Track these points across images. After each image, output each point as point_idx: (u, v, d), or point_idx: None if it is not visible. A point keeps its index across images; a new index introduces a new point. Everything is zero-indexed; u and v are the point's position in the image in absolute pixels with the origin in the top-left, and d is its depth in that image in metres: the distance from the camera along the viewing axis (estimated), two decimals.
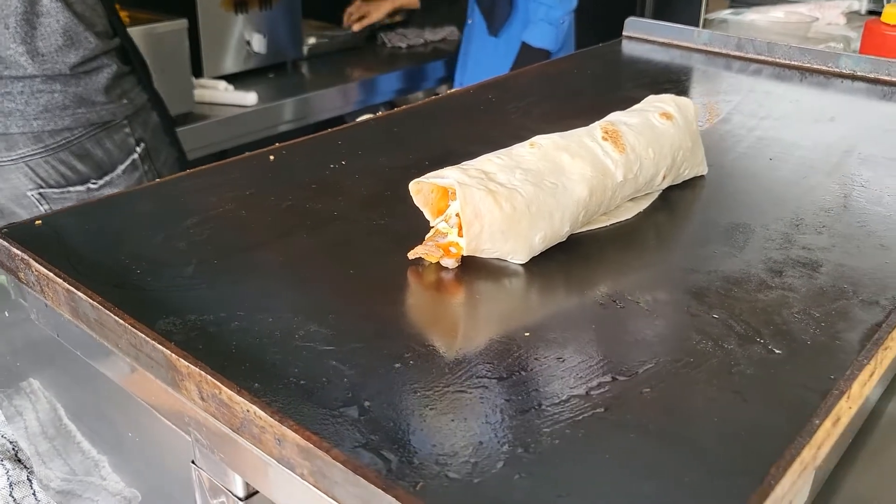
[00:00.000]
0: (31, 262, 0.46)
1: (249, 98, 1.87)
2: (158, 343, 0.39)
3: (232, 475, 0.41)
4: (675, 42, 1.02)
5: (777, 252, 0.55)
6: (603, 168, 0.55)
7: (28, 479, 0.74)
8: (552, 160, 0.54)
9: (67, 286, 0.43)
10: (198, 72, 1.92)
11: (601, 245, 0.57)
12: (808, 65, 0.96)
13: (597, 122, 0.59)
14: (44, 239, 0.52)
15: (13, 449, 0.78)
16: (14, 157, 1.04)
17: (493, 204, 0.49)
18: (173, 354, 0.38)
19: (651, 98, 0.66)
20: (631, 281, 0.52)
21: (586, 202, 0.54)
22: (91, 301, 0.42)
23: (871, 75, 0.92)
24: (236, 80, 1.97)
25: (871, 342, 0.42)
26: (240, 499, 0.41)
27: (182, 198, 0.59)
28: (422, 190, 0.53)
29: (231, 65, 1.99)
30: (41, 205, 1.04)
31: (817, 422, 0.35)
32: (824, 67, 0.95)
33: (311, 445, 0.33)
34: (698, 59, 1.00)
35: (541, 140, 0.56)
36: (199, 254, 0.51)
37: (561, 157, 0.54)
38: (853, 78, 0.93)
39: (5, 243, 0.48)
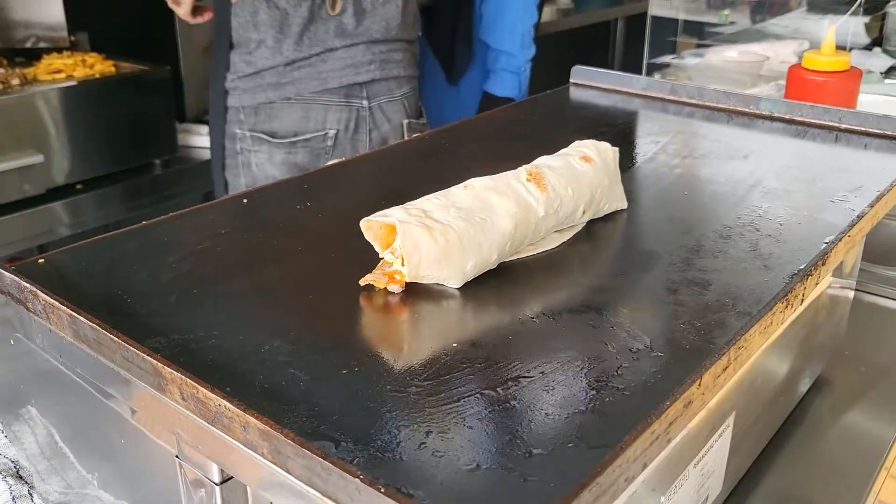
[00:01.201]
0: (38, 293, 0.55)
1: None
2: (148, 355, 0.48)
3: (210, 464, 0.50)
4: (617, 88, 1.12)
5: (676, 274, 0.65)
6: (526, 205, 0.65)
7: (29, 493, 0.83)
8: (482, 199, 0.64)
9: (70, 312, 0.52)
10: (181, 116, 2.02)
11: (529, 271, 0.66)
12: (734, 107, 1.06)
13: (523, 166, 0.69)
14: (46, 274, 0.61)
15: (15, 467, 0.86)
16: (398, 95, 1.55)
17: (430, 238, 0.59)
18: (160, 364, 0.47)
19: (576, 143, 0.76)
20: (550, 300, 0.62)
21: (512, 234, 0.63)
22: (91, 324, 0.51)
23: (787, 116, 1.02)
24: None
25: (728, 342, 0.52)
26: (216, 483, 0.50)
27: (165, 237, 0.68)
28: (371, 227, 0.62)
29: None
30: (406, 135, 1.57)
31: (668, 403, 0.44)
32: (747, 109, 1.05)
33: (270, 429, 0.42)
34: (638, 104, 1.11)
35: (473, 182, 0.65)
36: (181, 285, 0.61)
37: (490, 196, 0.64)
38: (772, 119, 1.03)
39: (15, 278, 0.57)
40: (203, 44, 2.02)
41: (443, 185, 0.68)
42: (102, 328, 0.50)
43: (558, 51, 2.35)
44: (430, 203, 0.63)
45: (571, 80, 1.15)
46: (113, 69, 1.83)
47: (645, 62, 1.42)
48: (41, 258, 0.63)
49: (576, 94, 1.13)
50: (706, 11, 3.20)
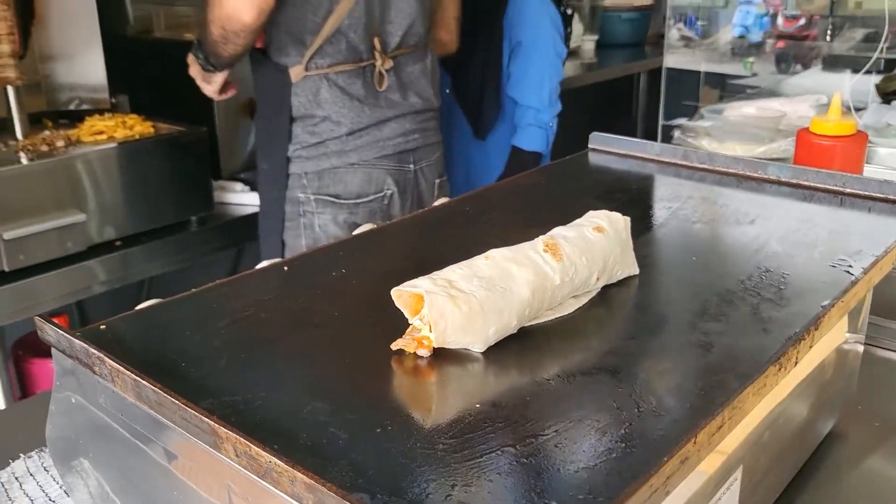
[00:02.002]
0: (105, 358, 0.61)
1: None
2: (205, 416, 0.54)
3: None
4: (633, 153, 1.19)
5: (682, 337, 0.70)
6: (543, 274, 0.71)
7: None
8: (502, 269, 0.70)
9: (134, 376, 0.58)
10: (216, 174, 2.11)
11: (547, 335, 0.72)
12: (743, 172, 1.12)
13: (540, 237, 0.75)
14: (108, 340, 0.67)
15: None
16: (433, 160, 1.76)
17: (454, 307, 0.65)
18: (216, 424, 0.53)
19: (589, 214, 0.82)
20: (565, 363, 0.67)
21: (530, 301, 0.69)
22: (153, 387, 0.57)
23: (794, 181, 1.08)
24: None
25: (722, 404, 0.57)
26: None
27: (214, 304, 0.75)
28: (401, 295, 0.68)
29: (246, 167, 2.18)
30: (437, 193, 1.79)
31: (665, 459, 0.50)
32: (756, 174, 1.11)
33: (314, 483, 0.47)
34: (653, 168, 1.17)
35: (494, 253, 0.72)
36: (230, 349, 0.67)
37: (509, 266, 0.70)
38: (779, 183, 1.09)
39: (84, 345, 0.63)
40: (237, 105, 2.12)
41: (467, 251, 0.74)
42: (164, 392, 0.56)
43: (583, 103, 2.44)
44: (454, 273, 0.69)
45: (590, 146, 1.21)
46: (152, 130, 1.92)
47: (660, 123, 1.48)
48: (103, 325, 0.69)
49: (594, 158, 1.20)
50: (729, 61, 3.27)
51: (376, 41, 1.59)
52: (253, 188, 2.08)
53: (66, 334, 0.64)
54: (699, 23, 3.46)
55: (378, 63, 1.60)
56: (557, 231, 0.77)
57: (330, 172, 1.60)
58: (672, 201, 1.04)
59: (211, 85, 1.67)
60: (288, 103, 1.57)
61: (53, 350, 0.68)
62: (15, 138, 1.84)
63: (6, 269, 1.60)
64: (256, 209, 2.04)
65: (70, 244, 1.70)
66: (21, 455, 0.96)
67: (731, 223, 0.96)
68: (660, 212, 1.00)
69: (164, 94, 2.18)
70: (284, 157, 1.60)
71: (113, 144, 1.80)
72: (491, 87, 2.16)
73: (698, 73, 3.24)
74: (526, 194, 1.07)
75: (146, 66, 2.22)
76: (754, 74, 3.13)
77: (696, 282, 0.81)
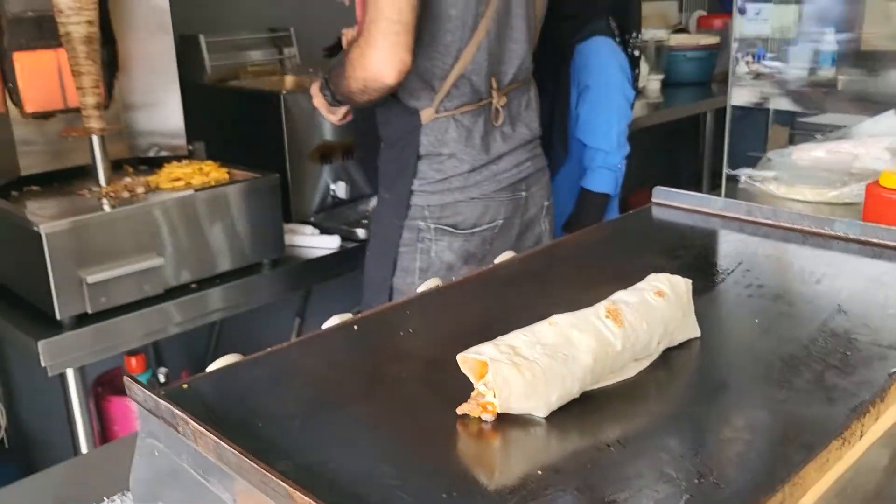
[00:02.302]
0: (189, 420, 0.65)
1: (333, 241, 2.11)
2: (281, 480, 0.57)
3: None
4: (696, 208, 1.20)
5: (744, 403, 0.71)
6: (605, 340, 0.73)
7: None
8: (565, 335, 0.72)
9: (215, 439, 0.62)
10: (287, 217, 2.16)
11: (608, 399, 0.74)
12: (808, 228, 1.12)
13: (602, 302, 0.77)
14: (191, 399, 0.72)
15: None
16: (543, 182, 1.87)
17: (518, 374, 0.67)
18: (291, 488, 0.56)
19: (651, 277, 0.83)
20: (626, 428, 0.69)
21: (592, 368, 0.71)
22: (233, 450, 0.60)
23: (862, 238, 1.07)
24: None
25: (784, 480, 0.58)
26: None
27: (288, 364, 0.79)
28: (467, 361, 0.71)
29: (316, 211, 2.24)
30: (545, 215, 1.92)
31: None
32: (822, 231, 1.11)
33: None
34: (716, 223, 1.17)
35: (557, 319, 0.74)
36: (303, 410, 0.70)
37: (572, 332, 0.72)
38: (847, 240, 1.08)
39: (169, 406, 0.67)
40: (308, 151, 2.19)
41: (531, 311, 0.77)
42: (243, 455, 0.60)
43: (649, 143, 2.45)
44: (518, 339, 0.71)
45: (653, 200, 1.22)
46: (227, 176, 1.98)
47: (724, 171, 1.47)
48: (185, 384, 0.74)
49: (658, 213, 1.21)
50: (800, 97, 3.22)
51: (493, 80, 1.69)
52: (323, 231, 2.14)
53: (152, 395, 0.68)
54: (769, 54, 3.42)
55: (494, 100, 1.70)
56: (619, 296, 0.79)
57: (452, 206, 1.70)
58: (736, 259, 1.04)
59: (335, 115, 1.80)
60: (417, 142, 1.68)
61: (139, 407, 0.72)
62: (98, 185, 1.93)
63: (89, 311, 1.67)
64: (326, 252, 2.10)
65: (148, 287, 1.76)
66: (105, 498, 1.00)
67: (796, 283, 0.96)
68: (723, 271, 1.00)
69: (239, 141, 2.26)
70: (408, 190, 1.70)
71: (190, 191, 1.87)
72: (558, 130, 2.20)
73: (766, 110, 3.20)
74: (590, 251, 1.08)
75: (222, 113, 2.31)
76: (825, 112, 3.08)
77: (758, 346, 0.82)
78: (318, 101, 1.79)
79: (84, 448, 1.78)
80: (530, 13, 1.76)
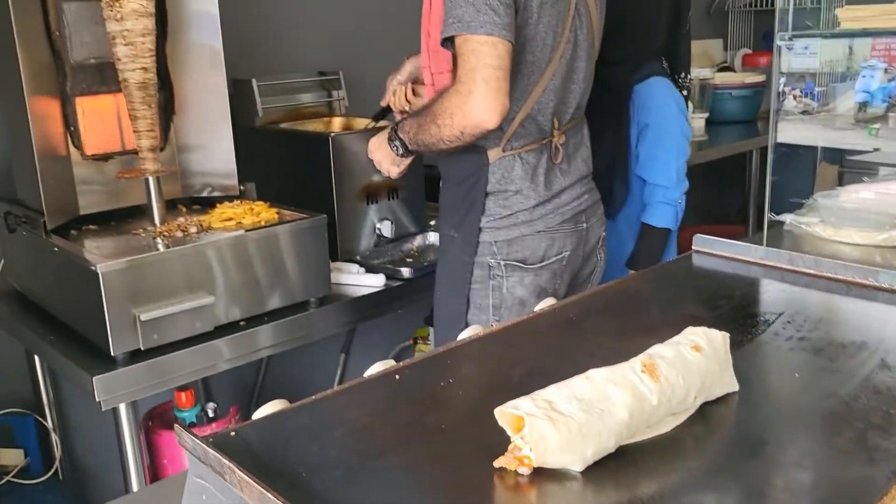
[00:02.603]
0: (235, 469, 0.67)
1: (378, 280, 2.14)
2: None
3: None
4: (736, 256, 1.20)
5: (782, 461, 0.71)
6: (641, 395, 0.74)
7: None
8: (601, 390, 0.73)
9: (261, 489, 0.64)
10: (334, 255, 2.20)
11: (644, 453, 0.74)
12: (852, 279, 1.11)
13: (638, 356, 0.78)
14: (237, 447, 0.74)
15: None
16: (599, 214, 1.94)
17: (554, 430, 0.68)
18: None
19: (688, 331, 0.84)
20: (662, 483, 0.70)
21: (628, 423, 0.72)
22: (278, 500, 0.63)
23: None
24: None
25: None
26: None
27: (331, 413, 0.81)
28: (504, 415, 0.72)
29: (362, 249, 2.28)
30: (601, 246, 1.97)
31: None
32: (866, 282, 1.10)
33: None
34: (757, 272, 1.18)
35: (593, 373, 0.75)
36: (345, 460, 0.72)
37: (608, 387, 0.73)
38: (892, 292, 1.08)
39: (216, 454, 0.70)
40: (354, 191, 2.23)
41: (569, 361, 0.78)
42: None
43: (695, 182, 2.45)
44: (554, 393, 0.73)
45: (693, 248, 1.23)
46: (276, 216, 2.03)
47: (766, 216, 1.46)
48: (233, 431, 0.76)
49: (698, 261, 1.21)
50: (851, 128, 3.18)
51: (554, 120, 1.75)
52: (368, 270, 2.17)
53: (201, 443, 0.71)
54: (817, 90, 3.39)
55: (555, 139, 1.76)
56: (655, 350, 0.80)
57: (519, 240, 1.74)
58: (776, 310, 1.04)
59: (399, 168, 1.84)
60: (485, 180, 1.73)
61: (188, 454, 0.75)
62: (153, 224, 1.99)
63: (141, 347, 1.72)
64: (371, 290, 2.12)
65: (199, 324, 1.81)
66: None
67: (839, 336, 0.96)
68: (763, 322, 1.00)
69: (289, 181, 2.31)
70: (477, 227, 1.75)
71: (241, 231, 1.92)
72: (620, 169, 2.26)
73: (814, 148, 3.17)
74: (630, 300, 1.09)
75: (272, 154, 2.37)
76: (876, 150, 3.04)
77: (798, 401, 0.82)
78: (382, 153, 1.83)
79: (134, 480, 1.82)
80: (591, 54, 1.83)
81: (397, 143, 1.74)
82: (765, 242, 1.19)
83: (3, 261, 2.15)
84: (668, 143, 2.23)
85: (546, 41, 1.66)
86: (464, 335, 0.99)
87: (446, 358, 0.92)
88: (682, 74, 2.39)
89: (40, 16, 1.89)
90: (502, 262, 1.75)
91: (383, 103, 2.17)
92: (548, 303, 1.12)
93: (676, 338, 0.83)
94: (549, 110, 1.73)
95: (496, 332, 1.00)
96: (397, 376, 0.88)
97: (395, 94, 2.14)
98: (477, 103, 1.52)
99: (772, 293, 1.11)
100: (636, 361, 0.77)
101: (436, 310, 1.87)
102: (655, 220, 2.24)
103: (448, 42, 1.57)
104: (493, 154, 1.71)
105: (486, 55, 1.50)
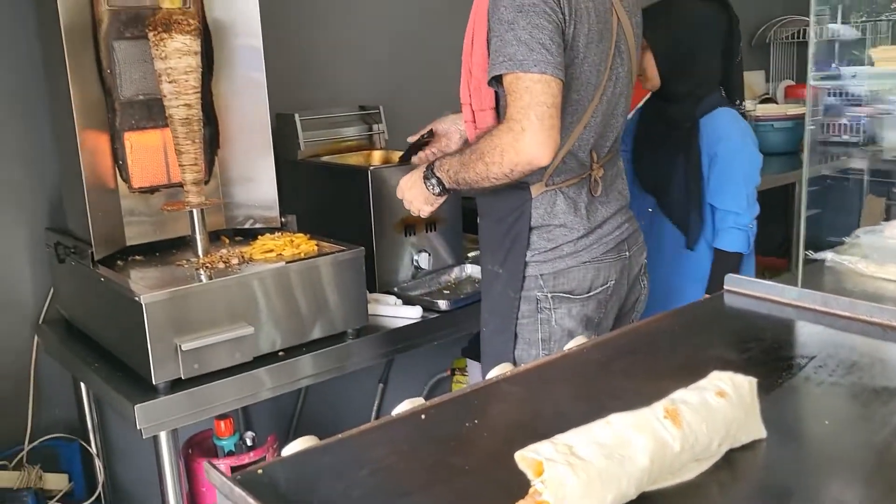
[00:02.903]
0: None
1: (415, 312, 2.15)
2: None
3: None
4: (769, 297, 1.19)
5: None
6: (663, 441, 0.74)
7: None
8: (621, 436, 0.73)
9: None
10: (372, 287, 2.23)
11: (668, 501, 0.74)
12: (888, 322, 1.10)
13: (661, 401, 0.78)
14: (264, 486, 0.76)
15: None
16: (640, 242, 1.94)
17: (573, 475, 0.69)
18: None
19: (713, 375, 0.84)
20: None
21: (649, 469, 0.72)
22: None
23: None
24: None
25: None
26: None
27: (359, 450, 0.83)
28: (524, 458, 0.73)
29: (400, 281, 2.30)
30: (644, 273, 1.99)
31: None
32: None
33: None
34: (791, 312, 1.17)
35: (614, 418, 0.75)
36: (369, 501, 0.74)
37: (629, 433, 0.73)
38: None
39: (242, 492, 0.72)
40: (392, 223, 2.26)
41: (593, 403, 0.79)
42: None
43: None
44: (575, 438, 0.73)
45: (725, 287, 1.23)
46: (315, 248, 2.06)
47: (800, 254, 1.43)
48: (259, 469, 0.78)
49: (730, 300, 1.21)
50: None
51: (594, 154, 1.77)
52: (406, 302, 2.19)
53: (228, 481, 0.73)
54: (863, 120, 3.35)
55: (594, 172, 1.79)
56: (679, 395, 0.80)
57: (565, 272, 1.76)
58: (808, 354, 1.03)
59: (432, 207, 1.85)
60: (528, 215, 1.75)
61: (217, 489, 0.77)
62: (196, 255, 2.04)
63: (182, 377, 1.76)
64: (408, 322, 2.14)
65: (238, 354, 1.84)
66: None
67: (873, 381, 0.95)
68: (795, 365, 1.00)
69: (328, 213, 2.35)
70: (522, 262, 1.76)
71: (281, 263, 1.96)
72: (694, 201, 2.32)
73: (861, 179, 3.12)
74: (659, 341, 1.09)
75: (313, 187, 2.41)
76: None
77: (827, 450, 0.81)
78: (415, 192, 1.83)
79: None
80: (630, 89, 1.85)
81: (434, 181, 1.75)
82: (799, 283, 1.18)
83: (52, 289, 2.21)
84: (736, 171, 2.29)
85: (590, 80, 1.68)
86: (491, 374, 0.99)
87: (473, 398, 0.93)
88: (738, 102, 2.45)
89: (92, 54, 1.96)
90: (549, 295, 1.76)
91: (411, 139, 2.20)
92: (578, 341, 1.12)
93: (701, 382, 0.83)
94: (588, 146, 1.75)
95: (523, 371, 1.01)
96: (423, 416, 0.89)
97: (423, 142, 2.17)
98: (530, 141, 1.52)
99: (805, 335, 1.10)
100: (659, 407, 0.77)
101: (482, 347, 1.87)
102: (728, 245, 2.30)
103: (495, 80, 1.59)
104: (536, 189, 1.73)
105: (539, 93, 1.51)
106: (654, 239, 2.29)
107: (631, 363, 1.01)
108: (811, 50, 1.99)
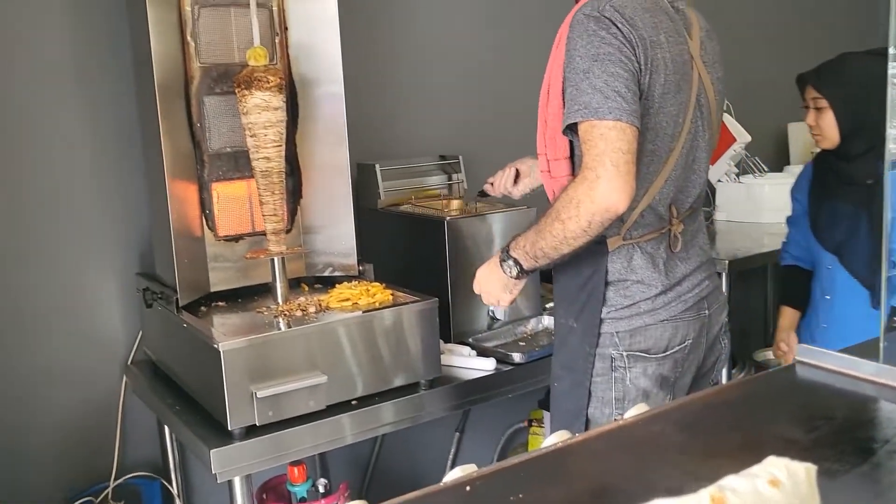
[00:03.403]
0: None
1: (489, 364, 2.15)
2: None
3: None
4: (844, 371, 1.13)
5: None
6: None
7: None
8: None
9: None
10: (446, 337, 2.23)
11: None
12: None
13: (708, 488, 0.75)
14: None
15: None
16: (721, 301, 1.89)
17: None
18: None
19: (768, 461, 0.80)
20: None
21: None
22: None
23: None
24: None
25: None
26: None
27: None
28: None
29: (475, 331, 2.30)
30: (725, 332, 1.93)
31: None
32: None
33: None
34: (868, 388, 1.10)
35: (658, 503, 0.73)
36: None
37: None
38: None
39: None
40: (469, 272, 2.26)
41: (642, 482, 0.77)
42: None
43: None
44: None
45: (797, 358, 1.18)
46: (391, 298, 2.09)
47: (882, 323, 1.35)
48: None
49: (802, 372, 1.16)
50: None
51: (673, 209, 1.75)
52: (481, 353, 2.19)
53: None
54: None
55: (673, 228, 1.75)
56: (728, 482, 0.77)
57: (641, 330, 1.72)
58: (883, 437, 0.98)
59: (511, 294, 1.81)
60: (605, 269, 1.72)
61: None
62: (276, 302, 2.09)
63: (257, 423, 1.80)
64: (483, 373, 2.14)
65: (312, 402, 1.87)
66: None
67: None
68: (866, 450, 0.94)
69: (406, 261, 2.38)
70: (598, 318, 1.73)
71: (356, 313, 1.99)
72: (881, 260, 2.24)
73: None
74: (721, 415, 1.06)
75: (391, 236, 2.45)
76: None
77: None
78: (492, 280, 1.80)
79: None
80: (711, 145, 1.82)
81: (510, 262, 1.72)
82: (881, 357, 1.12)
83: (141, 332, 2.31)
84: None
85: (667, 130, 1.65)
86: (547, 442, 0.98)
87: (520, 470, 0.91)
88: None
89: (184, 109, 2.06)
90: (625, 353, 1.72)
91: (489, 181, 2.21)
92: (638, 409, 1.09)
93: (755, 468, 0.79)
94: (668, 200, 1.72)
95: (576, 443, 0.99)
96: (468, 487, 0.88)
97: (499, 176, 2.19)
98: (606, 187, 1.50)
99: (882, 416, 1.04)
100: (705, 494, 0.74)
101: (553, 402, 1.84)
102: None
103: (569, 129, 1.59)
104: (613, 243, 1.70)
105: (614, 140, 1.50)
106: (837, 295, 2.27)
107: (688, 438, 0.98)
108: None
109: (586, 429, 1.72)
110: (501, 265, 1.73)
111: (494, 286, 1.79)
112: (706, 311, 1.80)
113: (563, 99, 1.59)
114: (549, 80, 1.66)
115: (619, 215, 1.55)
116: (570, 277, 1.78)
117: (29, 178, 2.16)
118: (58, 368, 2.22)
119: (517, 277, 1.74)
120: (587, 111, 1.51)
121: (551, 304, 2.34)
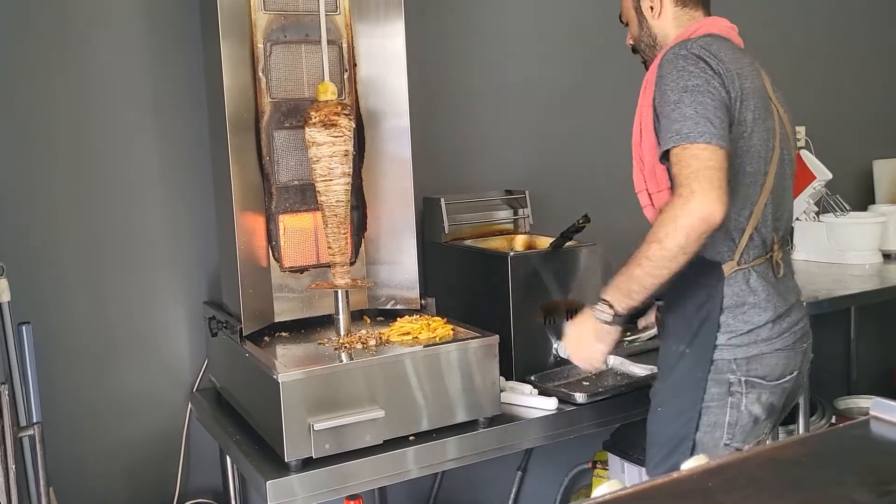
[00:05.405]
0: None
1: (550, 403, 2.10)
2: None
3: None
4: None
5: None
6: None
7: None
8: None
9: None
10: (508, 374, 2.20)
11: None
12: None
13: None
14: None
15: None
16: (810, 340, 1.87)
17: None
18: None
19: None
20: None
21: None
22: None
23: None
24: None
25: None
26: None
27: None
28: None
29: (538, 369, 2.26)
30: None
31: None
32: None
33: None
34: None
35: None
36: None
37: None
38: None
39: None
40: (532, 309, 2.23)
41: None
42: None
43: None
44: None
45: (871, 413, 1.11)
46: (451, 333, 2.07)
47: None
48: None
49: (876, 428, 1.09)
50: None
51: (773, 234, 1.77)
52: (542, 392, 2.14)
53: None
54: None
55: (775, 254, 1.77)
56: None
57: (758, 358, 1.74)
58: None
59: (606, 346, 1.79)
60: (720, 295, 1.73)
61: None
62: (338, 334, 2.10)
63: (313, 456, 1.79)
64: (544, 413, 2.09)
65: (369, 437, 1.86)
66: None
67: None
68: None
69: (469, 296, 2.36)
70: (713, 344, 1.74)
71: (417, 347, 1.97)
72: None
73: None
74: (785, 472, 1.00)
75: (455, 270, 2.43)
76: None
77: None
78: (583, 332, 1.79)
79: None
80: (794, 172, 1.86)
81: (602, 305, 1.71)
82: None
83: (207, 360, 2.34)
84: None
85: (760, 153, 1.70)
86: (597, 492, 0.94)
87: None
88: None
89: (253, 142, 2.10)
90: (743, 379, 1.73)
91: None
92: (698, 460, 1.04)
93: None
94: (769, 224, 1.75)
95: (626, 495, 0.94)
96: None
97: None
98: (701, 199, 1.54)
99: None
100: None
101: (653, 428, 1.83)
102: None
103: (665, 157, 1.63)
104: (728, 268, 1.72)
105: (706, 159, 1.55)
106: None
107: (743, 498, 0.93)
108: None
109: (692, 454, 1.72)
110: (596, 315, 1.73)
111: (586, 337, 1.79)
112: (805, 346, 1.82)
113: (656, 134, 1.66)
114: (640, 120, 1.72)
115: (717, 226, 1.56)
116: (684, 304, 1.78)
117: (104, 206, 2.23)
118: (127, 394, 2.27)
119: (610, 323, 1.72)
120: (678, 137, 1.57)
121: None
